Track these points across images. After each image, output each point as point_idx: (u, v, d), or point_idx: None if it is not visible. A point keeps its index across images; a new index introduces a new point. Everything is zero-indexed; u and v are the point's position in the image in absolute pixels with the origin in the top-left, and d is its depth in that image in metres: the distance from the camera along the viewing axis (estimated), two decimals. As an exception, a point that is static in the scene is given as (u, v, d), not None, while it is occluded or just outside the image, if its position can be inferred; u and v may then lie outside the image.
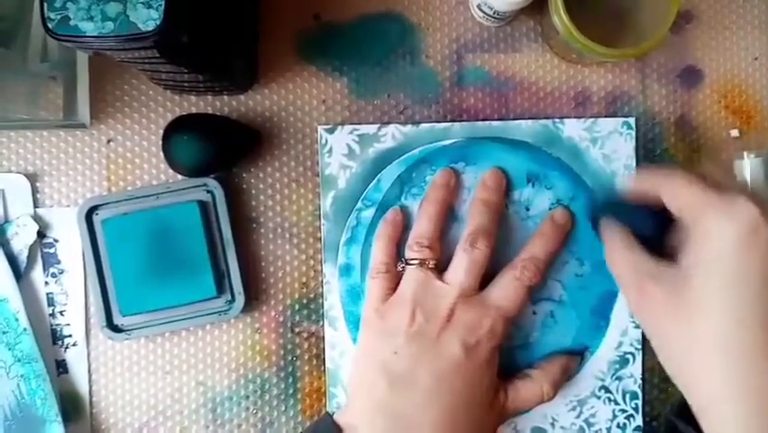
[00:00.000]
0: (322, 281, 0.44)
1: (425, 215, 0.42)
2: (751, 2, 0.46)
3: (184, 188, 0.44)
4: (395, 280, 0.42)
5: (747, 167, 0.43)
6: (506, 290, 0.41)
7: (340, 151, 0.44)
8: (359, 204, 0.44)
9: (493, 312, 0.40)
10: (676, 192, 0.35)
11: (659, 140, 0.46)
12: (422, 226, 0.42)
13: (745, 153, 0.43)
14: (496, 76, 0.46)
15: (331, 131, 0.45)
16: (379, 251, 0.43)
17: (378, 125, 0.45)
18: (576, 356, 0.44)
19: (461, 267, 0.41)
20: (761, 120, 0.46)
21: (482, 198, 0.43)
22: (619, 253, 0.38)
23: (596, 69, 0.46)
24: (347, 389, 0.44)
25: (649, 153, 0.46)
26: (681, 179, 0.35)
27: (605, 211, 0.40)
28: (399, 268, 0.42)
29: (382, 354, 0.40)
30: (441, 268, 0.42)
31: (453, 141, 0.44)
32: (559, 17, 0.39)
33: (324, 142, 0.45)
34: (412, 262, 0.41)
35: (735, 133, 0.46)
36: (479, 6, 0.43)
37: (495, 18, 0.43)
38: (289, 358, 0.45)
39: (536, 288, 0.42)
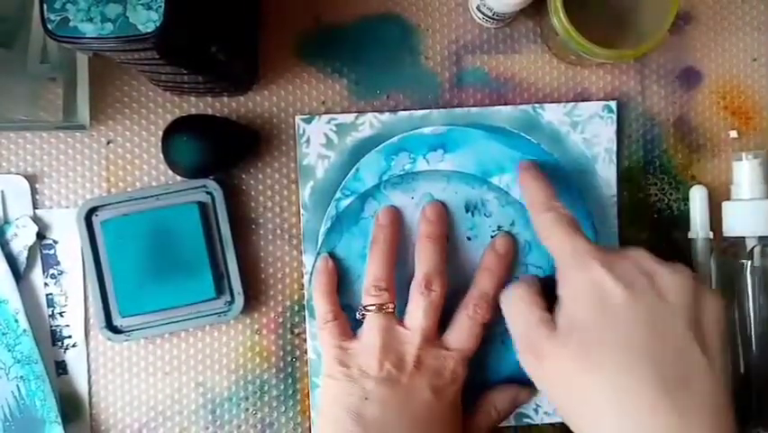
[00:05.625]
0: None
1: (376, 257, 0.42)
2: (750, 3, 0.46)
3: (183, 190, 0.44)
4: (345, 324, 0.42)
5: (746, 168, 0.43)
6: (463, 332, 0.41)
7: (317, 140, 0.44)
8: (338, 194, 0.44)
9: (455, 355, 0.40)
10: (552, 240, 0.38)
11: (658, 141, 0.46)
12: (377, 269, 0.42)
13: (744, 154, 0.43)
14: (495, 77, 0.46)
15: (308, 120, 0.44)
16: (320, 302, 0.42)
17: (355, 114, 0.45)
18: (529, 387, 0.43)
19: (420, 311, 0.40)
20: (760, 121, 0.46)
21: (426, 232, 0.42)
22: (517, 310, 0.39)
23: (595, 70, 0.46)
24: None
25: (648, 154, 0.46)
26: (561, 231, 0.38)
27: None
28: (359, 316, 0.42)
29: (352, 400, 0.39)
30: (396, 308, 0.41)
31: (433, 128, 0.44)
32: (558, 18, 0.39)
33: (301, 132, 0.44)
34: (370, 307, 0.41)
35: (733, 133, 0.46)
36: (478, 8, 0.43)
37: (494, 19, 0.43)
38: (289, 359, 0.45)
39: (491, 322, 0.42)
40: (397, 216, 0.43)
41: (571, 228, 0.38)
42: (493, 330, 0.43)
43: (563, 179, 0.44)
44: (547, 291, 0.39)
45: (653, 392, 0.32)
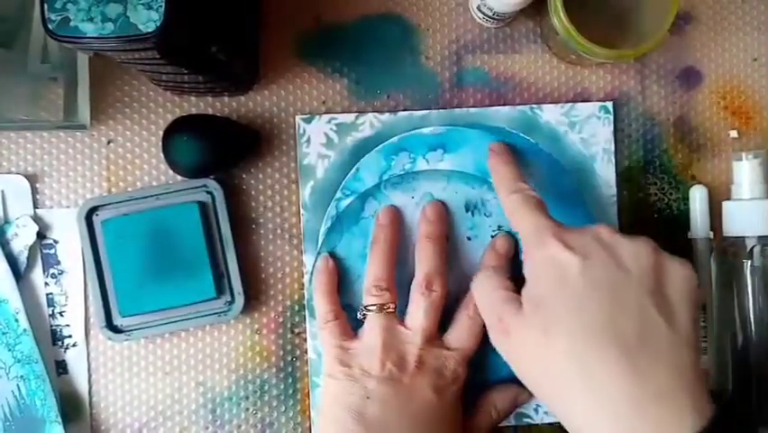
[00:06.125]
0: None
1: (377, 257, 0.42)
2: (750, 3, 0.46)
3: (184, 189, 0.44)
4: (346, 324, 0.42)
5: (746, 168, 0.43)
6: (463, 332, 0.41)
7: (318, 140, 0.44)
8: (338, 193, 0.44)
9: (456, 355, 0.41)
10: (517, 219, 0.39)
11: (658, 141, 0.46)
12: (377, 269, 0.42)
13: (744, 154, 0.43)
14: (495, 76, 0.46)
15: (308, 120, 0.45)
16: (321, 302, 0.42)
17: (356, 114, 0.45)
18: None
19: (421, 311, 0.41)
20: (760, 120, 0.46)
21: (427, 232, 0.42)
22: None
23: (595, 69, 0.46)
24: None
25: (648, 154, 0.46)
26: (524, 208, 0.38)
27: None
28: (360, 316, 0.42)
29: (353, 399, 0.39)
30: (397, 308, 0.42)
31: (432, 128, 0.44)
32: (558, 18, 0.39)
33: (301, 131, 0.44)
34: (371, 307, 0.41)
35: (734, 133, 0.46)
36: (478, 8, 0.43)
37: (494, 19, 0.43)
38: (289, 359, 0.45)
39: None
40: (397, 216, 0.43)
41: (536, 209, 0.38)
42: None
43: (563, 178, 0.44)
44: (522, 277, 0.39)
45: (612, 357, 0.32)
